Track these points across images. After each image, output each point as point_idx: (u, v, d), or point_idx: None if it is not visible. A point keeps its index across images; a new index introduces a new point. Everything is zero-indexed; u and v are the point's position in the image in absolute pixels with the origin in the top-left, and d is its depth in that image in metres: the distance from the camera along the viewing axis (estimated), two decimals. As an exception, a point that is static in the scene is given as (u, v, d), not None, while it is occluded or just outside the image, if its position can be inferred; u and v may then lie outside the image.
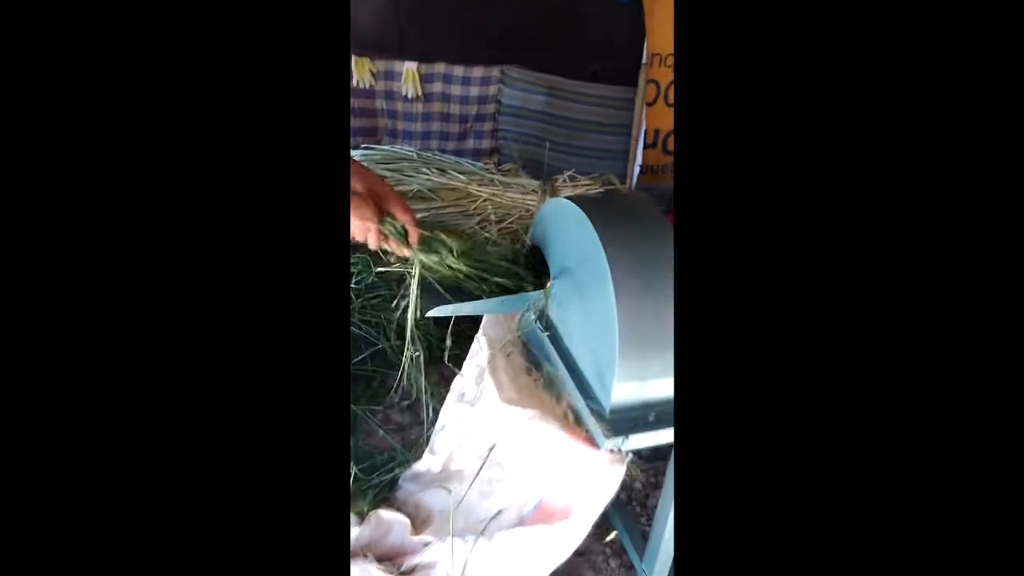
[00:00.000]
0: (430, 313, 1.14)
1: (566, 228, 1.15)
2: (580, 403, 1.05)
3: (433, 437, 1.38)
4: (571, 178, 2.53)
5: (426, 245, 1.17)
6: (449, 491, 1.26)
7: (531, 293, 1.23)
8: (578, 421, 1.07)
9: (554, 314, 1.22)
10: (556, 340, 1.18)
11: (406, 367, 1.65)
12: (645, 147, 2.72)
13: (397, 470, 1.43)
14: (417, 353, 1.34)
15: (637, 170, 2.77)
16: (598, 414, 1.01)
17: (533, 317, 1.24)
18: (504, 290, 1.22)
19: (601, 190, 2.44)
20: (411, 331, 1.21)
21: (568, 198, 1.14)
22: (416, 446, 1.53)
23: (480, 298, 1.19)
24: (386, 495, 1.43)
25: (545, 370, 1.21)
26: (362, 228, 1.04)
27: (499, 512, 1.20)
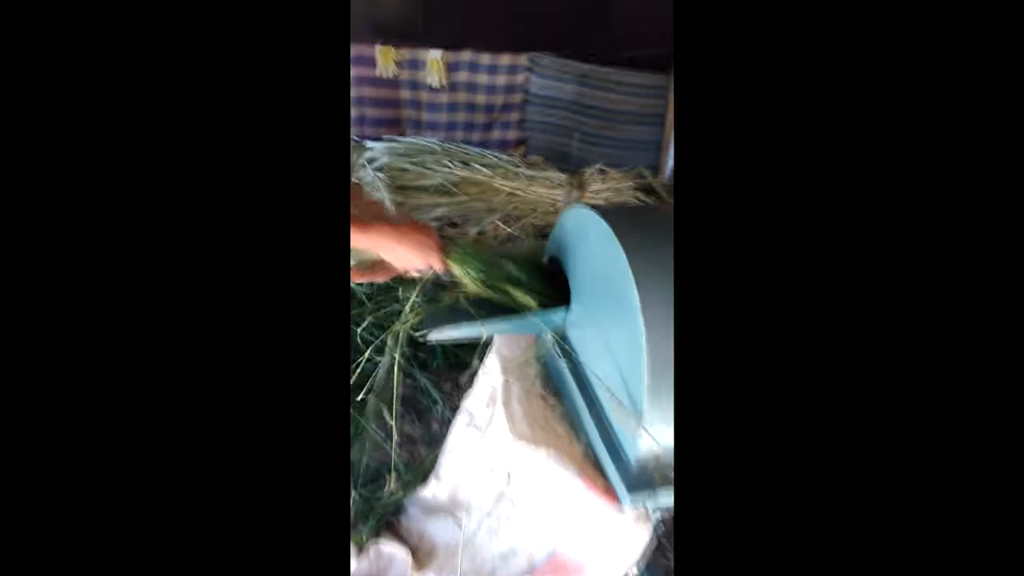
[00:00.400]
0: (431, 337, 1.03)
1: (589, 242, 1.01)
2: (601, 449, 0.92)
3: (440, 461, 1.27)
4: (600, 171, 2.38)
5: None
6: (459, 525, 1.15)
7: (549, 313, 1.10)
8: (598, 467, 0.94)
9: (574, 337, 1.09)
10: (575, 370, 1.05)
11: (419, 378, 1.55)
12: (682, 139, 2.53)
13: (401, 493, 1.33)
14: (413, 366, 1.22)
15: (671, 162, 2.59)
16: (621, 464, 0.88)
17: (551, 340, 1.12)
18: (518, 307, 1.09)
19: (629, 199, 2.28)
20: (400, 345, 1.10)
21: (594, 207, 1.00)
22: (424, 464, 1.44)
23: (491, 316, 1.06)
24: (390, 519, 1.33)
25: (564, 399, 1.09)
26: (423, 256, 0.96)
27: (508, 554, 1.09)
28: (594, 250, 0.99)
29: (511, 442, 1.00)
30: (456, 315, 1.05)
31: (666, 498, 0.85)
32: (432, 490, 1.27)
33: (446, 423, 1.37)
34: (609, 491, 0.89)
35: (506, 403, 1.06)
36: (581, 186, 2.34)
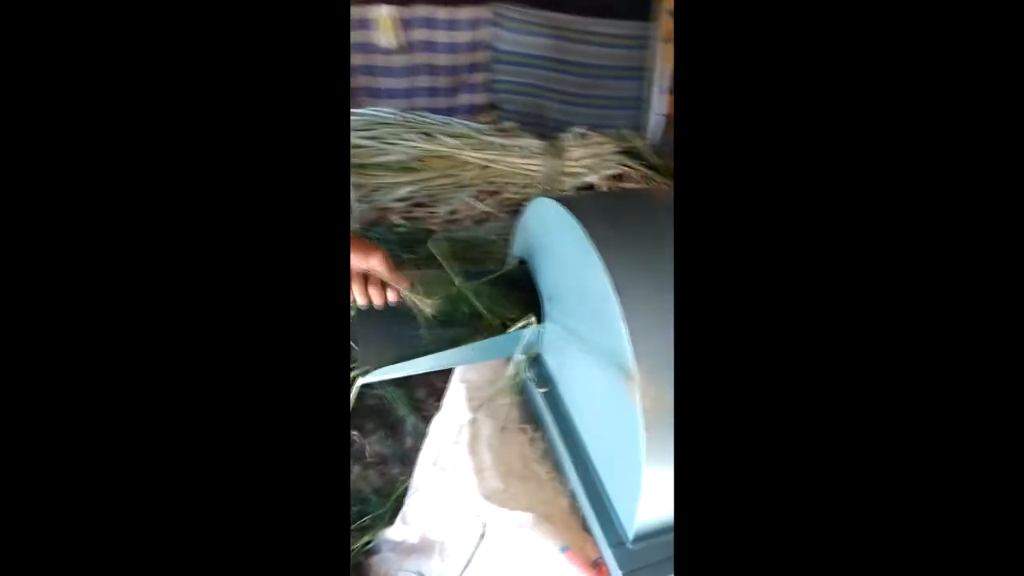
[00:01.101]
0: (373, 377, 0.83)
1: (559, 245, 0.81)
2: (590, 514, 0.75)
3: (405, 501, 1.10)
4: (581, 135, 2.14)
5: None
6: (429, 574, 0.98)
7: (520, 333, 0.91)
8: (588, 530, 0.77)
9: (551, 362, 0.90)
10: (555, 404, 0.87)
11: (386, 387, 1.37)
12: (668, 93, 2.29)
13: (366, 537, 1.16)
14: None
15: (655, 119, 2.35)
16: (615, 537, 0.71)
17: (524, 364, 0.93)
18: (482, 327, 0.90)
19: (614, 167, 2.04)
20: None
21: (562, 199, 0.79)
22: (395, 491, 1.27)
23: (451, 343, 0.87)
24: (360, 560, 1.17)
25: (546, 432, 0.90)
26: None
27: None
28: (566, 256, 0.79)
29: (480, 501, 0.82)
30: (406, 344, 0.85)
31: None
32: (401, 534, 1.10)
33: (421, 436, 1.20)
34: (603, 570, 0.72)
35: (473, 450, 0.87)
36: (560, 154, 2.11)
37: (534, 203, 0.90)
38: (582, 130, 2.13)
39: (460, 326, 0.88)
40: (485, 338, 0.87)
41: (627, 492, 0.69)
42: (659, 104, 2.30)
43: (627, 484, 0.68)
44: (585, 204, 0.77)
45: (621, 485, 0.71)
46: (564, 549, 0.74)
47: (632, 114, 2.31)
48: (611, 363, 0.68)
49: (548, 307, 0.89)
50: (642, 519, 0.68)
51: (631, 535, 0.69)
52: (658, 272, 0.70)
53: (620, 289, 0.66)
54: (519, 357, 0.93)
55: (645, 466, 0.64)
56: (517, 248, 0.99)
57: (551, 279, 0.87)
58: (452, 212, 1.98)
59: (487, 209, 1.99)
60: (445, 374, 1.07)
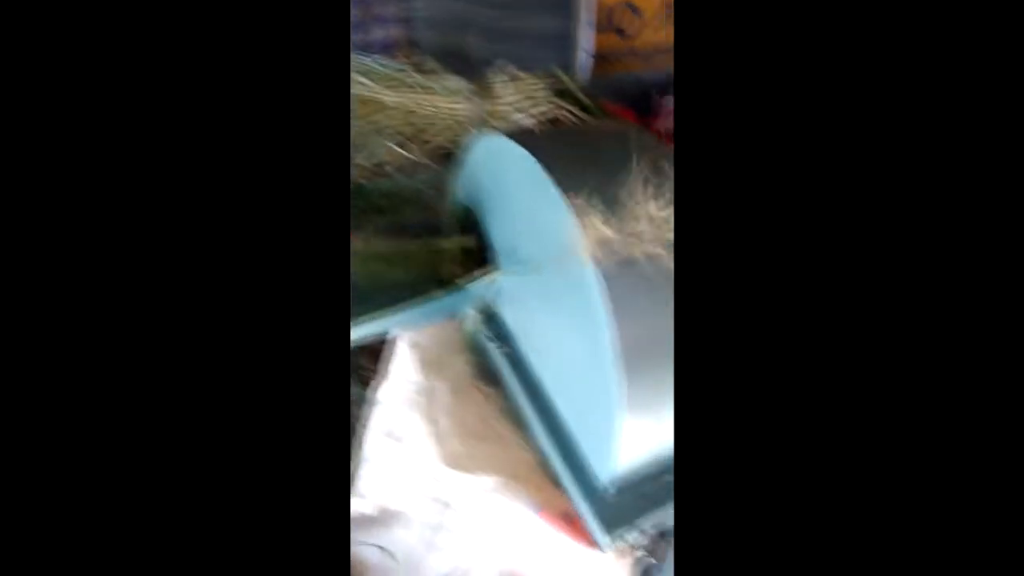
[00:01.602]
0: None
1: (513, 188, 0.74)
2: (562, 468, 0.72)
3: (357, 474, 1.04)
4: (510, 75, 2.03)
5: None
6: (387, 551, 0.94)
7: (471, 287, 0.84)
8: (559, 485, 0.74)
9: (509, 316, 0.85)
10: (516, 360, 0.82)
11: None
12: (595, 30, 2.20)
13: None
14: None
15: (582, 57, 2.27)
16: (591, 489, 0.68)
17: (478, 320, 0.87)
18: (429, 285, 0.82)
19: (548, 110, 1.95)
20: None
21: (514, 135, 0.72)
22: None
23: (395, 303, 0.79)
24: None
25: (505, 390, 0.86)
26: None
27: (451, 573, 0.90)
28: (521, 199, 0.72)
29: (442, 468, 0.77)
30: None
31: (654, 521, 0.67)
32: (358, 507, 1.04)
33: (366, 406, 1.13)
34: (577, 524, 0.70)
35: (429, 416, 0.81)
36: (489, 95, 2.00)
37: (481, 143, 0.82)
38: (509, 68, 2.01)
39: (403, 287, 0.80)
40: (434, 297, 0.80)
41: (601, 438, 0.66)
42: (585, 41, 2.21)
43: (601, 430, 0.65)
44: (540, 142, 0.70)
45: (594, 432, 0.68)
46: (537, 508, 0.71)
47: (557, 52, 2.21)
48: (579, 307, 0.64)
49: (502, 257, 0.82)
50: (619, 464, 0.65)
51: (608, 482, 0.67)
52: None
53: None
54: (472, 314, 0.86)
55: (620, 408, 0.61)
56: (461, 195, 0.91)
57: (504, 227, 0.80)
58: (376, 164, 1.84)
59: (414, 158, 1.86)
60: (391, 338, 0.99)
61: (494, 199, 0.81)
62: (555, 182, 0.63)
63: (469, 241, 0.87)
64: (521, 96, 2.05)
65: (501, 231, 0.81)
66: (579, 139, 0.79)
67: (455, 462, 0.76)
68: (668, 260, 0.63)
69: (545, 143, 0.69)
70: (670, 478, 0.68)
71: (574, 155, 0.69)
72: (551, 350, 0.74)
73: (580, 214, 0.61)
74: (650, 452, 0.68)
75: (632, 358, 0.59)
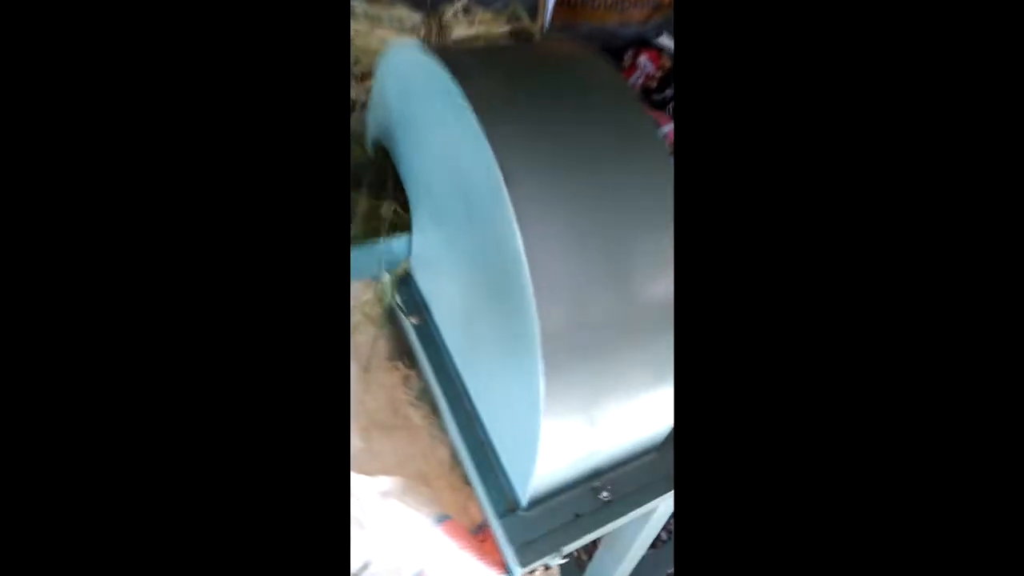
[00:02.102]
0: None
1: (424, 113, 0.58)
2: (473, 475, 0.59)
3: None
4: (465, 10, 1.82)
5: None
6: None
7: (380, 243, 0.69)
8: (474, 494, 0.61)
9: (423, 281, 0.70)
10: (428, 337, 0.67)
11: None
12: (563, -32, 1.99)
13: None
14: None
15: (551, 3, 2.07)
16: (505, 504, 0.56)
17: (390, 285, 0.71)
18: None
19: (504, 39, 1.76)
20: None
21: (429, 47, 0.56)
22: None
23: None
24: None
25: (421, 371, 0.72)
26: None
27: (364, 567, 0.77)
28: (435, 130, 0.56)
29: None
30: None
31: (577, 543, 0.55)
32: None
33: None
34: (489, 546, 0.57)
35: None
36: (442, 30, 1.79)
37: (390, 54, 0.65)
38: (464, 2, 1.80)
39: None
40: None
41: (520, 447, 0.53)
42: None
43: (519, 432, 0.52)
44: (463, 56, 0.54)
45: (511, 434, 0.55)
46: (441, 519, 0.58)
47: (523, -8, 2.00)
48: (498, 277, 0.49)
49: (416, 207, 0.67)
50: (538, 480, 0.53)
51: (525, 500, 0.55)
52: (569, 149, 0.50)
53: (510, 176, 0.46)
54: (383, 277, 0.71)
55: (543, 412, 0.48)
56: (372, 127, 0.75)
57: (416, 168, 0.64)
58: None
59: (352, 95, 1.66)
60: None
61: (406, 131, 0.64)
62: (475, 109, 0.48)
63: (381, 190, 0.71)
64: (474, 33, 1.84)
65: (414, 174, 0.66)
66: (518, 55, 0.63)
67: (352, 459, 0.62)
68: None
69: (468, 59, 0.53)
70: (605, 492, 0.56)
71: (506, 74, 0.53)
72: (466, 326, 0.60)
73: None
74: (582, 464, 0.56)
75: (559, 347, 0.46)
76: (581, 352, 0.47)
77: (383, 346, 0.76)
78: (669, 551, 1.24)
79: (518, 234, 0.45)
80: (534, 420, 0.48)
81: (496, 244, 0.48)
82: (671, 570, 1.27)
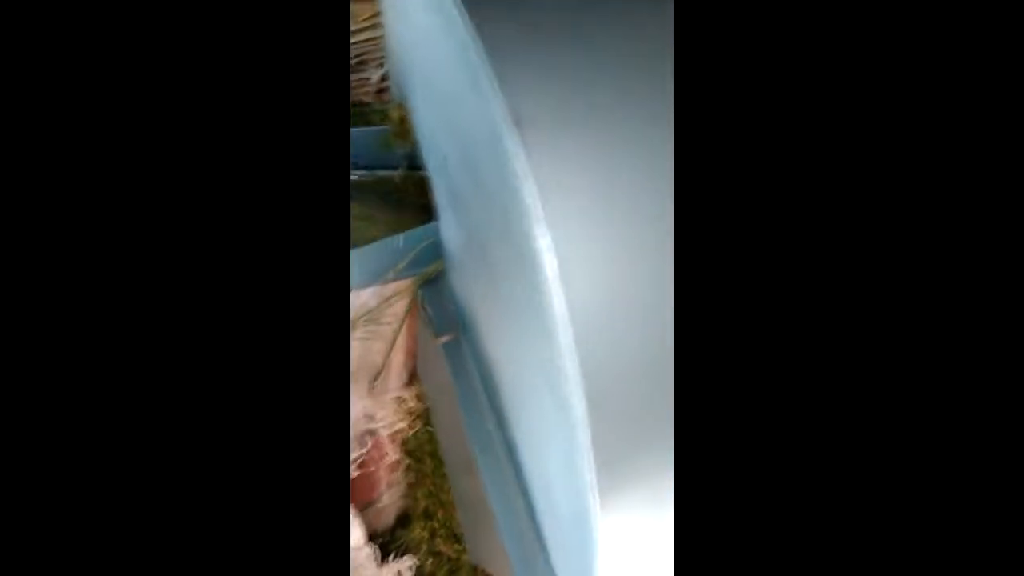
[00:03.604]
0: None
1: (433, 56, 0.39)
2: (514, 552, 0.40)
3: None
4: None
5: None
6: None
7: (401, 236, 0.52)
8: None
9: (457, 285, 0.52)
10: (460, 362, 0.49)
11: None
12: None
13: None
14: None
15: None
16: None
17: (418, 290, 0.54)
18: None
19: None
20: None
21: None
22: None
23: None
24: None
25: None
26: None
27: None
28: (443, 76, 0.37)
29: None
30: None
31: None
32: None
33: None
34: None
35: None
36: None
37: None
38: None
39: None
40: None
41: (573, 556, 0.34)
42: None
43: (572, 542, 0.33)
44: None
45: (563, 540, 0.35)
46: None
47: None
48: (530, 306, 0.30)
49: (434, 182, 0.49)
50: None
51: None
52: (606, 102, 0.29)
53: (530, 140, 0.26)
54: (405, 277, 0.54)
55: (596, 514, 0.28)
56: (395, 79, 0.58)
57: (428, 128, 0.46)
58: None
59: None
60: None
61: (417, 80, 0.46)
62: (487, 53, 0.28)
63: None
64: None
65: (432, 137, 0.47)
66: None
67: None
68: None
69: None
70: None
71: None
72: (505, 357, 0.41)
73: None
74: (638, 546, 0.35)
75: (610, 421, 0.25)
76: (641, 420, 0.27)
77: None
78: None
79: (536, 220, 0.25)
80: (587, 524, 0.29)
81: (513, 231, 0.29)
82: None
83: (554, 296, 0.25)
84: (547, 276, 0.25)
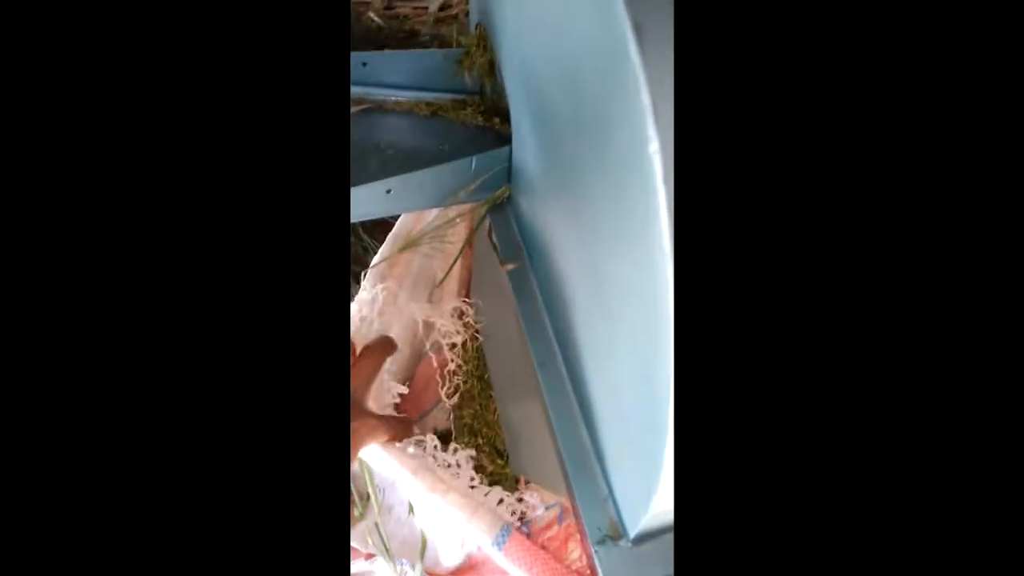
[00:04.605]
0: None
1: None
2: (570, 482, 0.43)
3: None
4: None
5: None
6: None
7: (473, 158, 0.53)
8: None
9: (527, 209, 0.53)
10: (527, 288, 0.50)
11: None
12: None
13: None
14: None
15: None
16: (611, 528, 0.40)
17: (484, 213, 0.55)
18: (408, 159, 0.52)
19: None
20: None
21: None
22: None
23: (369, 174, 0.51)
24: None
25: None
26: None
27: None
28: (566, 20, 0.37)
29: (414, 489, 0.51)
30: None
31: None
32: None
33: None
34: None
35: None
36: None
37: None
38: None
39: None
40: (408, 171, 0.50)
41: (638, 464, 0.36)
42: None
43: (640, 450, 0.35)
44: None
45: (629, 449, 0.38)
46: (505, 533, 0.44)
47: None
48: (632, 229, 0.31)
49: (516, 107, 0.49)
50: (653, 517, 0.35)
51: (633, 532, 0.38)
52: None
53: (647, 52, 0.26)
54: (474, 201, 0.55)
55: (670, 427, 0.30)
56: (475, 4, 0.57)
57: (520, 52, 0.46)
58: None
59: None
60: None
61: (508, 8, 0.45)
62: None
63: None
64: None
65: (516, 61, 0.47)
66: None
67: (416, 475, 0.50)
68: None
69: None
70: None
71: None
72: (577, 282, 0.42)
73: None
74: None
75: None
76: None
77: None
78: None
79: (657, 143, 0.26)
80: (662, 434, 0.30)
81: (625, 158, 0.29)
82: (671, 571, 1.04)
83: (662, 195, 0.26)
84: (658, 175, 0.26)
